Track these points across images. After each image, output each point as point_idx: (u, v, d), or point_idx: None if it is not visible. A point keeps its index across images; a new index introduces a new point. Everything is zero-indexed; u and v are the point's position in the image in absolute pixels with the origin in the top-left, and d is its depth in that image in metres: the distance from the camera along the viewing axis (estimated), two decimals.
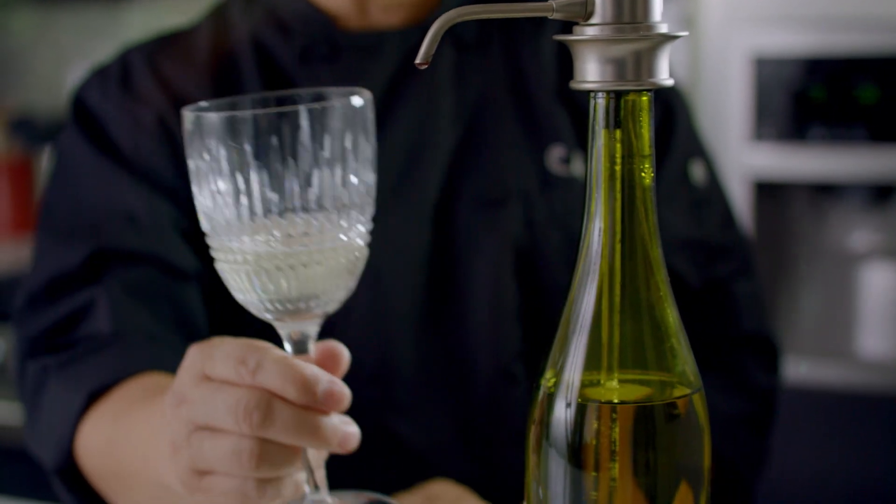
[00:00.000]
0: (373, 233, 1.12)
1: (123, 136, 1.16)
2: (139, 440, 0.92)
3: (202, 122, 0.70)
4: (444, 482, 1.06)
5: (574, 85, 0.69)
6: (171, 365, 0.80)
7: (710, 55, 2.31)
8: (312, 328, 0.75)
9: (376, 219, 1.13)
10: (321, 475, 0.76)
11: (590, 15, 0.68)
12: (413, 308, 1.13)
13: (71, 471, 1.05)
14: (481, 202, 1.15)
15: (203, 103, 0.73)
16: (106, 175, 1.14)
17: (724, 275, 1.22)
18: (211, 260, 0.75)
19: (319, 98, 0.73)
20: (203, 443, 0.74)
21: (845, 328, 2.34)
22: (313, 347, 0.76)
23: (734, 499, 1.16)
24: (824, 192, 2.34)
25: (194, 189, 0.72)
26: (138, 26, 3.24)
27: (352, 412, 1.11)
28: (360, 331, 1.12)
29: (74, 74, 3.28)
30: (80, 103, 1.19)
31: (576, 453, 0.69)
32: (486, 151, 1.16)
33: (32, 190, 3.29)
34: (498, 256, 1.14)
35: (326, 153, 0.71)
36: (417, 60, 0.67)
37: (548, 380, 0.71)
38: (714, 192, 1.25)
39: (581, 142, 1.18)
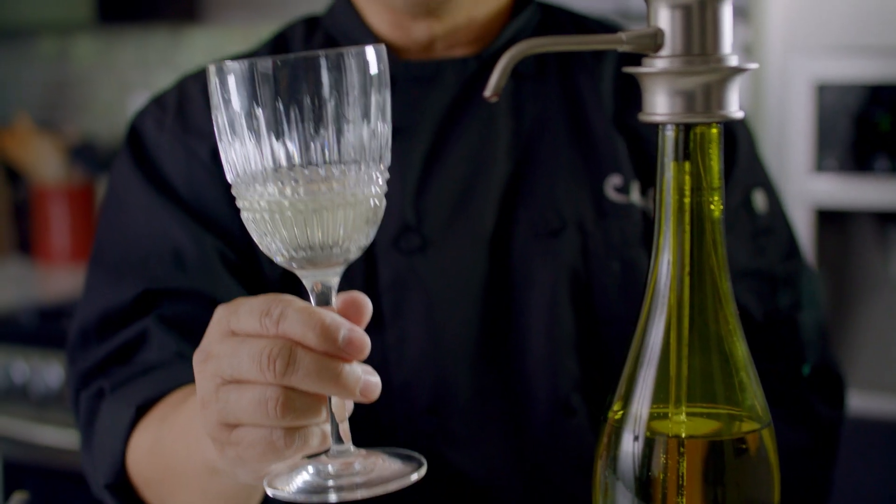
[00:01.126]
0: (429, 264, 1.13)
1: (175, 167, 1.17)
2: (181, 431, 0.93)
3: (224, 73, 0.73)
4: None
5: (643, 117, 0.69)
6: None
7: (772, 83, 2.29)
8: (334, 279, 0.77)
9: (432, 248, 1.13)
10: (345, 427, 0.77)
11: (659, 47, 0.68)
12: (469, 339, 1.13)
13: (122, 486, 1.06)
14: (537, 232, 1.14)
15: (226, 61, 0.75)
16: (154, 209, 1.15)
17: (788, 305, 1.21)
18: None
19: (337, 53, 0.75)
20: (230, 395, 0.74)
21: None
22: (335, 298, 0.77)
23: None
24: (888, 221, 2.32)
25: (218, 141, 0.75)
26: (200, 54, 3.27)
27: (409, 443, 1.11)
28: (415, 362, 1.12)
29: (136, 102, 3.31)
30: (135, 132, 1.21)
31: (643, 487, 0.69)
32: (542, 181, 1.16)
33: (92, 216, 3.32)
34: (554, 286, 1.13)
35: (344, 103, 0.73)
36: (487, 93, 0.67)
37: (615, 412, 0.70)
38: (777, 221, 1.24)
39: (638, 171, 1.18)
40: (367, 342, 0.73)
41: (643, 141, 1.19)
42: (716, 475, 0.68)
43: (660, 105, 0.68)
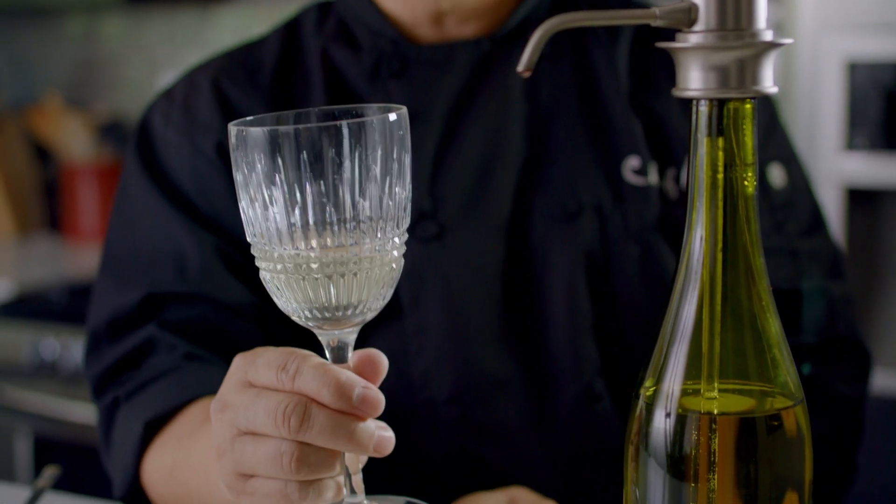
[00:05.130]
0: (446, 251, 1.12)
1: (180, 163, 1.17)
2: (201, 463, 0.94)
3: (246, 135, 0.73)
4: (523, 488, 1.05)
5: (676, 92, 0.69)
6: None
7: (803, 61, 2.28)
8: (351, 336, 0.78)
9: (449, 235, 1.12)
10: (358, 479, 0.79)
11: (693, 22, 0.67)
12: (488, 326, 1.12)
13: (138, 498, 1.09)
14: (555, 216, 1.13)
15: (248, 118, 0.76)
16: (158, 211, 1.16)
17: (810, 280, 1.19)
18: (263, 289, 0.78)
19: (359, 114, 0.75)
20: (245, 447, 0.75)
21: None
22: (351, 355, 0.78)
23: None
24: None
25: (239, 199, 0.75)
26: (228, 32, 3.27)
27: (431, 433, 1.11)
28: (435, 351, 1.11)
29: (164, 80, 3.32)
30: (144, 126, 1.21)
31: (675, 464, 0.68)
32: (558, 164, 1.15)
33: None
34: (572, 271, 1.12)
35: (365, 167, 0.73)
36: (520, 69, 0.67)
37: (647, 389, 0.70)
38: (798, 196, 1.22)
39: (655, 153, 1.17)
40: (381, 400, 0.74)
41: (659, 121, 1.17)
42: (748, 452, 0.68)
43: (693, 80, 0.68)
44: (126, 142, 3.31)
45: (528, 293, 1.12)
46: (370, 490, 0.81)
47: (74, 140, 3.38)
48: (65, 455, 2.59)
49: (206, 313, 1.12)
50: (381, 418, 0.78)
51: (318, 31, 1.20)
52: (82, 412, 2.55)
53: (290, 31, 1.22)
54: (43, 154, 3.48)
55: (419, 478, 1.11)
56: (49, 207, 3.49)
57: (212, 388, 1.04)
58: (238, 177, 0.74)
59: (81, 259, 3.18)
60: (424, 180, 1.12)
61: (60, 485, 1.24)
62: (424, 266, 1.11)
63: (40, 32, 3.64)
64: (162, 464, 1.04)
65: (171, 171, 1.17)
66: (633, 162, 1.15)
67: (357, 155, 0.72)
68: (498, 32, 1.17)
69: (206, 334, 1.12)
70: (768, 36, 0.67)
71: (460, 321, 1.11)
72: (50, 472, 1.19)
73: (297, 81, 1.18)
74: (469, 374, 1.11)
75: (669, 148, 1.16)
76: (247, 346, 1.11)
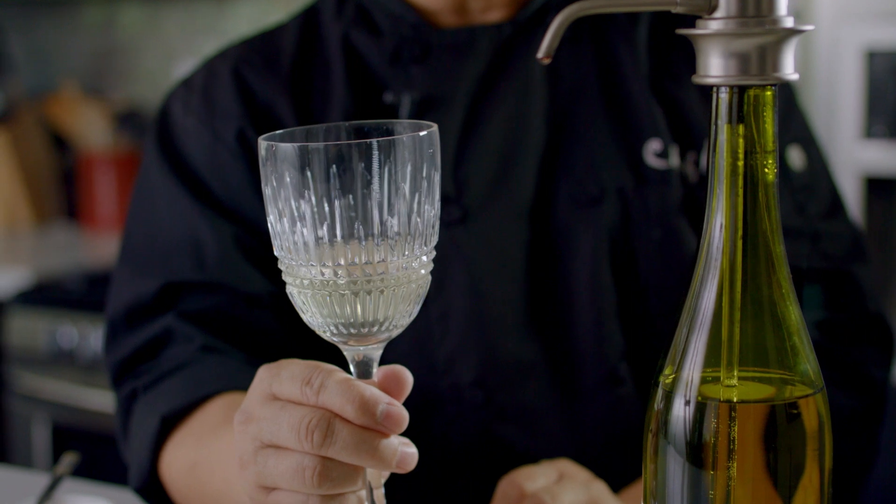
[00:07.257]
0: (470, 235, 1.12)
1: (200, 151, 1.17)
2: (221, 463, 0.94)
3: (276, 150, 0.73)
4: (570, 462, 1.05)
5: (696, 79, 0.69)
6: (248, 383, 0.83)
7: (822, 49, 2.27)
8: (376, 352, 0.78)
9: (473, 220, 1.12)
10: (380, 494, 0.78)
11: (714, 8, 0.67)
12: (513, 310, 1.12)
13: (153, 490, 1.09)
14: (578, 201, 1.13)
15: (278, 132, 0.75)
16: (177, 200, 1.16)
17: (837, 260, 1.19)
18: (281, 279, 0.78)
19: (389, 131, 0.76)
20: (268, 460, 0.75)
21: None
22: (377, 370, 0.78)
23: (840, 496, 1.13)
24: None
25: (267, 213, 0.75)
26: (244, 21, 3.27)
27: (456, 417, 1.11)
28: (460, 336, 1.11)
29: (181, 69, 3.32)
30: (164, 114, 1.21)
31: (694, 451, 0.68)
32: (580, 148, 1.15)
33: None
34: (595, 255, 1.12)
35: (394, 184, 0.73)
36: (540, 55, 0.67)
37: (666, 376, 0.70)
38: (818, 178, 1.22)
39: (675, 136, 1.17)
40: (405, 416, 0.74)
41: (679, 106, 1.17)
42: (768, 440, 0.68)
43: (714, 67, 0.67)
44: (143, 131, 3.33)
45: (551, 277, 1.13)
46: (393, 480, 0.81)
47: (92, 129, 3.39)
48: (83, 442, 2.60)
49: (224, 303, 1.12)
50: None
51: (337, 17, 1.20)
52: (100, 400, 2.56)
53: (309, 18, 1.22)
54: (60, 143, 3.49)
55: (443, 461, 1.12)
56: (66, 196, 3.50)
57: (228, 384, 1.05)
58: (267, 190, 0.74)
59: (98, 247, 3.19)
60: (448, 165, 1.13)
61: (79, 472, 1.24)
62: (448, 250, 1.11)
63: (58, 21, 3.65)
64: (181, 461, 1.04)
65: (191, 159, 1.17)
66: (654, 145, 1.15)
67: (386, 171, 0.72)
68: (519, 16, 1.16)
69: (223, 324, 1.12)
70: (789, 22, 0.67)
71: (484, 305, 1.11)
72: (69, 460, 1.19)
73: (317, 68, 1.18)
74: (493, 358, 1.11)
75: (689, 132, 1.16)
76: (264, 335, 1.11)
